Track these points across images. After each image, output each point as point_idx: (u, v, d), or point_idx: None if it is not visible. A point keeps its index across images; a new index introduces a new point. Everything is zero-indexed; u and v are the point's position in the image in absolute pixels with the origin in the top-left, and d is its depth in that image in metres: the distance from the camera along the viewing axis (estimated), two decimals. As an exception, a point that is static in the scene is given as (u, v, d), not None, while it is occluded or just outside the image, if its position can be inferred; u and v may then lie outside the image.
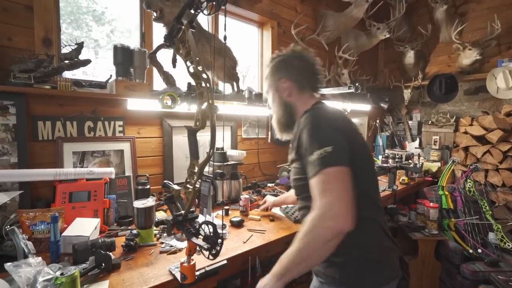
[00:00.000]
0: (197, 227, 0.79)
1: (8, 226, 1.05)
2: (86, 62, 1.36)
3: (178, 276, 0.88)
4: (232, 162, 1.85)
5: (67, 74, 1.46)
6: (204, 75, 0.76)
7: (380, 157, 2.54)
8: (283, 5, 2.47)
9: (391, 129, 3.52)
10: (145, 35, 1.77)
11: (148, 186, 1.50)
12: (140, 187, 1.48)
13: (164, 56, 1.53)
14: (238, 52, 1.91)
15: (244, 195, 1.61)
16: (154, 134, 1.73)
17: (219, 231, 0.75)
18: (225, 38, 0.73)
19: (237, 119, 2.15)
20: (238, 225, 1.40)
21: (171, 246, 1.14)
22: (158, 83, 1.75)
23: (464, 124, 2.87)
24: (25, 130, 1.28)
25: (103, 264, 0.93)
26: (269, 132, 2.36)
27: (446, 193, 2.33)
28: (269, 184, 2.20)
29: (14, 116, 1.25)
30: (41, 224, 1.10)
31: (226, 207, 1.59)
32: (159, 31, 1.76)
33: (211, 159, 0.77)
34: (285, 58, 1.05)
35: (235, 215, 1.51)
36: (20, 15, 1.30)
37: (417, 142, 3.29)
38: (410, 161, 2.82)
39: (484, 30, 2.63)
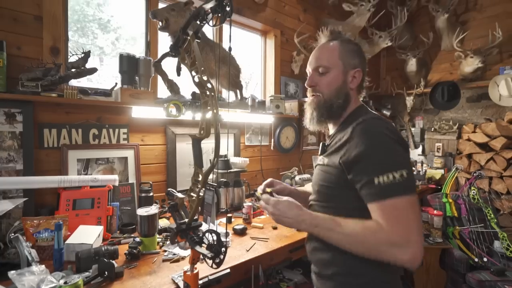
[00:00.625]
0: (200, 235, 0.79)
1: (13, 234, 1.06)
2: (93, 70, 1.39)
3: (181, 285, 0.87)
4: (235, 170, 1.85)
5: (73, 82, 1.48)
6: (209, 85, 0.77)
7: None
8: (286, 14, 2.50)
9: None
10: (151, 44, 1.80)
11: (151, 194, 1.50)
12: (143, 194, 1.48)
13: (169, 65, 1.56)
14: (241, 59, 1.93)
15: (247, 203, 1.61)
16: (158, 142, 1.74)
17: (223, 239, 0.75)
18: (230, 49, 0.75)
19: (240, 126, 2.16)
20: (241, 233, 1.40)
21: (174, 254, 1.14)
22: (163, 91, 1.77)
23: (467, 131, 2.86)
24: (31, 137, 1.29)
25: (106, 273, 0.93)
26: (272, 140, 2.37)
27: (450, 200, 2.31)
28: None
29: (21, 124, 1.27)
30: (45, 232, 1.10)
31: (229, 215, 1.58)
32: (164, 40, 1.79)
33: (215, 167, 0.77)
34: (360, 51, 0.93)
35: (238, 223, 1.50)
36: (29, 25, 1.33)
37: (420, 149, 3.28)
38: (413, 168, 2.81)
39: (486, 38, 2.64)
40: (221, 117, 0.76)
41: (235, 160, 1.91)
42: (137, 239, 1.17)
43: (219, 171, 1.70)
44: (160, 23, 1.51)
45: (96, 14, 1.72)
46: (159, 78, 1.63)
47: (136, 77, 1.52)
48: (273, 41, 2.44)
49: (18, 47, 1.31)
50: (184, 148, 1.82)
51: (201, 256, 0.79)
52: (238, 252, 1.19)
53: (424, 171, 2.80)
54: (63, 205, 1.28)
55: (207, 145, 1.82)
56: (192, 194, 0.81)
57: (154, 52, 1.81)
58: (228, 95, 1.93)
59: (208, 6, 0.72)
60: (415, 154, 3.27)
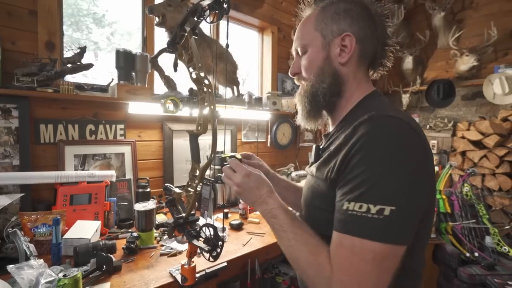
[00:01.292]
0: (198, 229, 0.81)
1: (10, 229, 1.06)
2: (89, 66, 1.38)
3: (179, 278, 0.89)
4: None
5: (68, 77, 1.47)
6: (206, 81, 0.78)
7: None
8: (283, 10, 2.50)
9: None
10: (147, 40, 1.79)
11: (148, 189, 1.51)
12: (140, 190, 1.49)
13: (165, 60, 1.56)
14: (238, 56, 1.94)
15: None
16: (155, 138, 1.74)
17: (219, 233, 0.76)
18: (227, 46, 0.75)
19: (237, 123, 2.17)
20: (237, 228, 1.42)
21: (171, 248, 1.16)
22: (159, 87, 1.77)
23: (462, 129, 2.89)
24: (27, 133, 1.29)
25: (104, 266, 0.94)
26: (269, 136, 2.38)
27: (444, 197, 2.35)
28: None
29: (16, 119, 1.27)
30: (43, 227, 1.11)
31: (226, 210, 1.60)
32: (160, 36, 1.79)
33: (212, 162, 0.78)
34: (352, 5, 0.65)
35: (235, 218, 1.52)
36: (24, 20, 1.32)
37: (415, 146, 3.32)
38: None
39: (481, 36, 2.67)
40: (218, 113, 0.76)
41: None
42: (135, 234, 1.18)
43: (216, 166, 1.71)
44: (157, 19, 1.50)
45: (90, 8, 1.71)
46: (156, 74, 1.63)
47: (133, 73, 1.52)
48: (270, 37, 2.44)
49: (13, 42, 1.30)
50: (181, 144, 1.82)
51: (198, 250, 0.81)
52: (235, 247, 1.21)
53: (418, 168, 2.83)
54: (60, 201, 1.28)
55: (204, 141, 1.83)
56: (189, 189, 0.82)
57: (150, 47, 1.80)
58: (226, 91, 1.93)
59: (205, 3, 0.72)
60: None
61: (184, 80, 1.64)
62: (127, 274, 0.96)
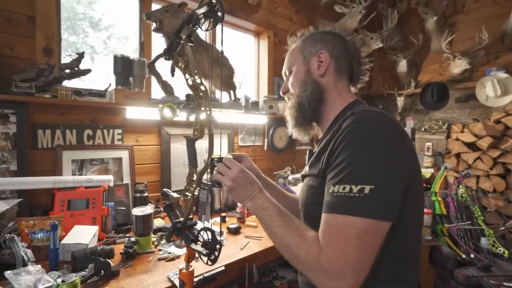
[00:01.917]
0: (195, 233, 0.81)
1: (8, 234, 1.06)
2: (86, 71, 1.39)
3: (177, 282, 0.89)
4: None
5: (65, 81, 1.48)
6: (202, 87, 0.80)
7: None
8: (279, 15, 2.53)
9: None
10: (144, 44, 1.81)
11: (146, 194, 1.51)
12: (138, 194, 1.49)
13: (163, 65, 1.57)
14: (234, 60, 1.96)
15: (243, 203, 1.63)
16: (152, 142, 1.75)
17: (217, 237, 0.77)
18: (222, 53, 0.77)
19: (234, 127, 2.19)
20: (235, 232, 1.42)
21: (169, 253, 1.16)
22: (157, 92, 1.79)
23: (456, 131, 2.93)
24: (25, 138, 1.29)
25: (102, 272, 0.95)
26: (265, 140, 2.40)
27: (439, 199, 2.38)
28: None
29: (14, 125, 1.27)
30: (40, 232, 1.11)
31: (223, 214, 1.60)
32: (158, 40, 1.80)
33: (209, 167, 0.79)
34: (327, 34, 0.81)
35: (232, 222, 1.53)
36: (22, 25, 1.33)
37: (410, 149, 3.35)
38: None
39: (473, 40, 2.72)
40: (214, 118, 0.78)
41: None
42: (133, 239, 1.18)
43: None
44: (154, 25, 1.52)
45: (87, 12, 1.72)
46: (153, 79, 1.64)
47: (130, 78, 1.53)
48: (266, 42, 2.46)
49: (11, 47, 1.31)
50: (178, 149, 1.83)
51: (196, 254, 0.82)
52: (232, 251, 1.22)
53: (414, 170, 2.86)
54: (57, 206, 1.28)
55: (201, 145, 1.84)
56: (187, 193, 0.83)
57: (148, 52, 1.81)
58: (221, 96, 1.95)
59: (200, 11, 0.74)
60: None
61: (181, 84, 1.65)
62: (125, 279, 0.97)
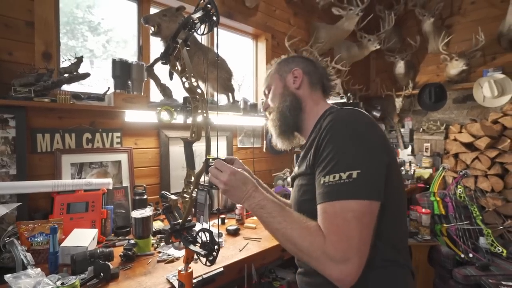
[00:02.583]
0: (194, 235, 0.82)
1: (7, 238, 1.07)
2: (85, 75, 1.40)
3: (176, 284, 0.90)
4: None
5: (64, 85, 1.49)
6: (198, 90, 0.81)
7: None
8: (277, 18, 2.55)
9: (384, 136, 3.59)
10: (143, 48, 1.82)
11: (145, 196, 1.52)
12: (137, 197, 1.50)
13: (161, 68, 1.58)
14: (233, 62, 1.97)
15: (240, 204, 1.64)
16: (151, 145, 1.76)
17: (216, 238, 0.78)
18: (217, 56, 0.78)
19: (233, 129, 2.20)
20: (234, 233, 1.43)
21: (169, 255, 1.17)
22: (155, 95, 1.80)
23: (454, 132, 2.95)
24: (24, 142, 1.30)
25: (102, 274, 0.95)
26: (264, 141, 2.41)
27: (438, 199, 2.38)
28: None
29: (13, 129, 1.28)
30: (40, 236, 1.12)
31: (222, 216, 1.61)
32: (156, 44, 1.81)
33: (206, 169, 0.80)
34: (297, 57, 0.94)
35: (231, 224, 1.53)
36: (21, 31, 1.34)
37: (409, 149, 3.37)
38: (402, 168, 2.89)
39: (470, 41, 2.74)
40: (211, 120, 0.79)
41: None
42: (132, 241, 1.19)
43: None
44: (152, 28, 1.53)
45: (86, 16, 1.73)
46: (152, 82, 1.65)
47: (129, 82, 1.54)
48: (264, 44, 2.48)
49: (10, 52, 1.32)
50: (177, 151, 1.84)
51: (195, 256, 0.82)
52: (231, 252, 1.22)
53: (413, 171, 2.87)
54: (57, 209, 1.29)
55: (200, 148, 1.84)
56: (185, 195, 0.84)
57: (146, 56, 1.83)
58: (217, 98, 1.96)
59: (196, 15, 0.75)
60: (404, 154, 3.35)
61: (180, 87, 1.66)
62: (124, 282, 0.97)
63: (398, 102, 3.35)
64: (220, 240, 1.30)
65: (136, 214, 1.23)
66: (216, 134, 2.01)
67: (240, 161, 0.96)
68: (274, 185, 2.21)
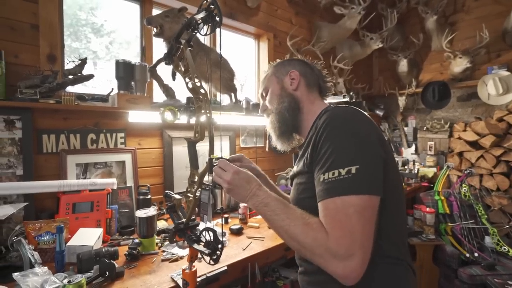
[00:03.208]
0: (198, 234, 0.83)
1: (15, 237, 1.09)
2: (89, 77, 1.42)
3: (180, 282, 0.91)
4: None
5: (68, 87, 1.50)
6: (202, 90, 0.81)
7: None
8: (279, 17, 2.55)
9: (387, 135, 3.58)
10: (146, 49, 1.84)
11: (149, 196, 1.53)
12: (141, 197, 1.51)
13: (164, 69, 1.59)
14: (235, 62, 1.97)
15: (243, 203, 1.65)
16: (155, 145, 1.77)
17: (219, 237, 0.78)
18: (220, 57, 0.79)
19: (236, 129, 2.20)
20: (237, 232, 1.44)
21: (173, 254, 1.18)
22: (158, 95, 1.81)
23: (458, 130, 2.92)
24: (30, 143, 1.32)
25: (107, 273, 0.96)
26: (267, 141, 2.41)
27: (442, 198, 2.37)
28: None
29: (20, 130, 1.30)
30: (46, 235, 1.13)
31: (226, 215, 1.62)
32: (159, 45, 1.83)
33: (209, 169, 0.81)
34: (293, 60, 0.96)
35: (235, 223, 1.54)
36: (26, 33, 1.36)
37: (413, 148, 3.35)
38: (406, 167, 2.87)
39: (474, 38, 2.72)
40: (214, 120, 0.80)
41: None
42: (136, 241, 1.20)
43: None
44: (155, 29, 1.54)
45: (89, 18, 1.75)
46: (155, 83, 1.67)
47: (132, 83, 1.56)
48: (266, 44, 2.48)
49: (16, 55, 1.34)
50: (180, 151, 1.85)
51: (199, 255, 0.83)
52: (235, 251, 1.23)
53: (417, 169, 2.86)
54: (63, 209, 1.30)
55: (203, 148, 1.85)
56: (189, 194, 0.85)
57: (149, 57, 1.84)
58: (221, 98, 1.97)
59: (199, 16, 0.76)
60: (408, 153, 3.34)
61: (183, 87, 1.67)
62: (129, 280, 0.98)
63: (402, 101, 3.33)
64: (224, 239, 1.31)
65: (141, 213, 1.24)
66: (220, 134, 2.01)
67: (248, 158, 0.98)
68: (277, 185, 2.22)
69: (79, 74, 1.39)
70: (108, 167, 1.56)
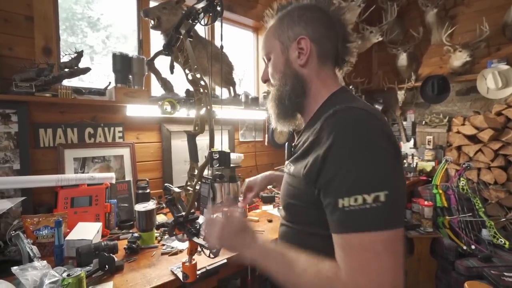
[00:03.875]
0: (197, 227, 0.83)
1: (13, 232, 1.08)
2: (86, 70, 1.40)
3: (180, 275, 0.91)
4: (231, 165, 1.88)
5: (64, 81, 1.48)
6: (202, 82, 0.80)
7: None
8: (278, 10, 2.52)
9: (386, 130, 3.57)
10: (143, 42, 1.81)
11: (148, 190, 1.52)
12: (140, 191, 1.51)
13: (162, 62, 1.57)
14: (234, 56, 1.95)
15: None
16: (153, 139, 1.76)
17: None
18: (221, 47, 0.77)
19: (235, 123, 2.19)
20: (237, 226, 1.43)
21: (172, 247, 1.17)
22: (156, 89, 1.79)
23: (457, 124, 2.93)
24: (27, 137, 1.30)
25: (107, 266, 0.96)
26: (266, 135, 2.40)
27: (440, 191, 2.38)
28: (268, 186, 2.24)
29: (16, 124, 1.28)
30: (45, 229, 1.13)
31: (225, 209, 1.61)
32: (156, 38, 1.80)
33: (210, 162, 0.80)
34: (307, 11, 0.70)
35: (234, 217, 1.54)
36: (21, 25, 1.33)
37: (412, 142, 3.35)
38: (405, 161, 2.88)
39: (474, 32, 2.70)
40: (215, 113, 0.79)
41: (231, 156, 1.94)
42: (136, 234, 1.20)
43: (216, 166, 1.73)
44: (152, 22, 1.52)
45: (85, 12, 1.71)
46: (153, 76, 1.65)
47: (130, 76, 1.54)
48: (266, 37, 2.46)
49: (10, 47, 1.31)
50: (179, 145, 1.84)
51: (198, 248, 0.83)
52: (235, 245, 1.23)
53: (415, 163, 2.87)
54: (61, 203, 1.30)
55: (202, 142, 1.84)
56: (188, 188, 0.84)
57: (146, 50, 1.82)
58: (221, 92, 1.95)
59: (199, 5, 0.75)
60: (407, 147, 3.34)
61: (180, 81, 1.66)
62: (129, 273, 0.98)
63: (401, 95, 3.32)
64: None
65: (140, 207, 1.24)
66: (221, 128, 2.00)
67: (255, 180, 0.98)
68: (276, 179, 2.22)
69: (76, 67, 1.37)
70: (107, 162, 1.55)
